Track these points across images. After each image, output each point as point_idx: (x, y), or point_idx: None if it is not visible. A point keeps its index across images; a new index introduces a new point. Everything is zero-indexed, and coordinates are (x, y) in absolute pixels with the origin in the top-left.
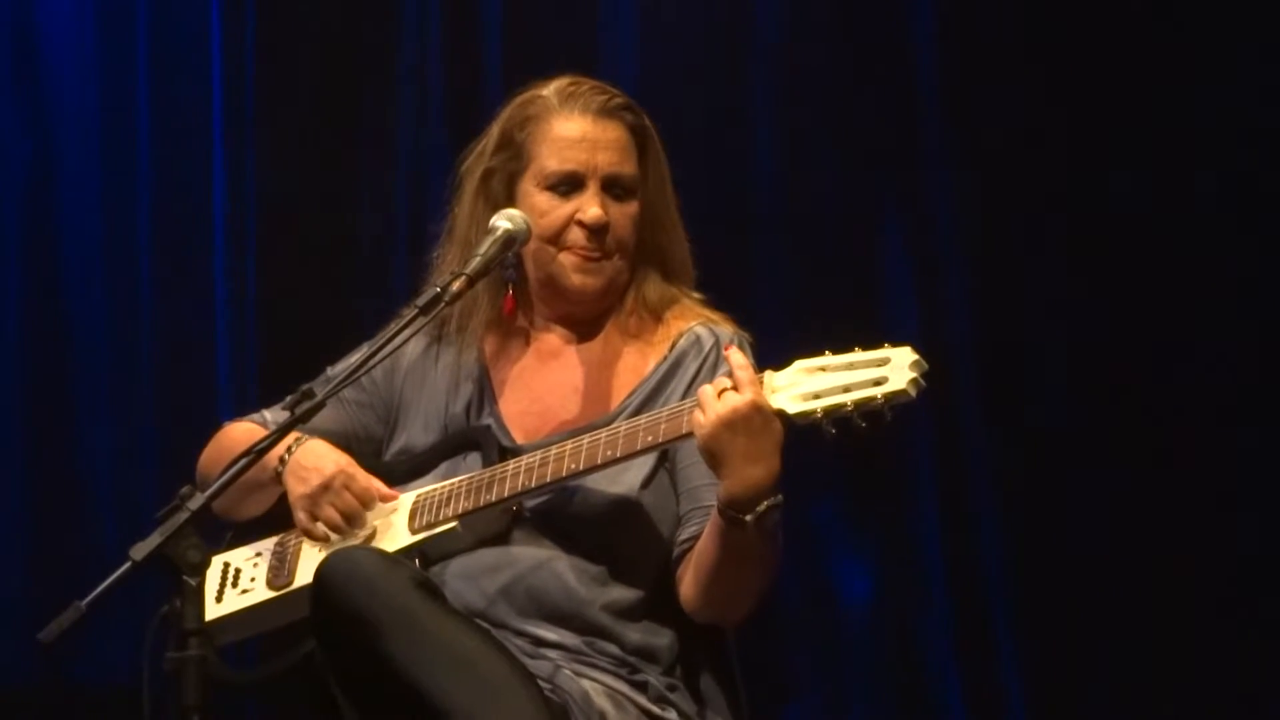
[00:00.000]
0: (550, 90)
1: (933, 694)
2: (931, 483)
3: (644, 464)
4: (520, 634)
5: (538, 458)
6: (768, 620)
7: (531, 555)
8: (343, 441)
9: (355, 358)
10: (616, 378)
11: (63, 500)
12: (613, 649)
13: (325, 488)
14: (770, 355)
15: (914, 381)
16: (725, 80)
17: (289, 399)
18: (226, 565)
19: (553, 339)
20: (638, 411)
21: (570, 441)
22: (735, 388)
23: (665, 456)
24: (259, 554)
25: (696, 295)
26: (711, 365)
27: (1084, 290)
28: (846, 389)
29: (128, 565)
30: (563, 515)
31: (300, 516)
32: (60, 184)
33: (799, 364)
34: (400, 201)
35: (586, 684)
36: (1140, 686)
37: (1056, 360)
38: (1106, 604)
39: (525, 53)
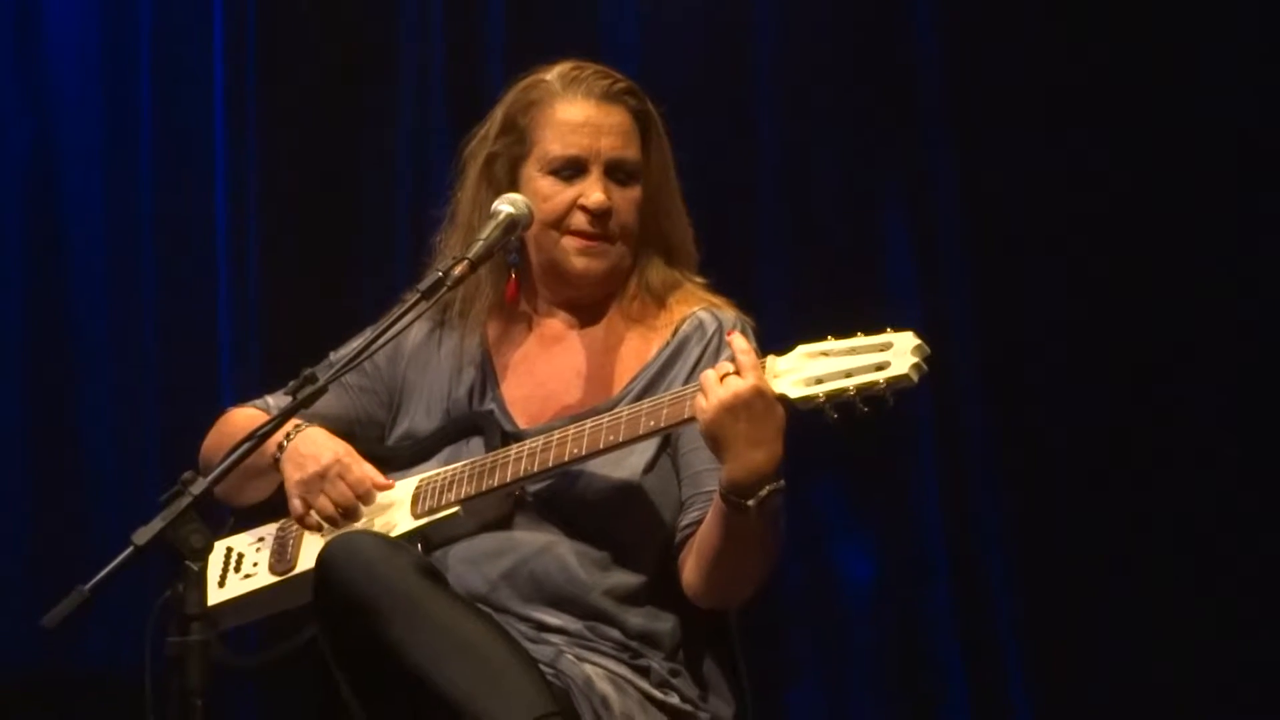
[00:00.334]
0: (553, 75)
1: (935, 677)
2: (933, 466)
3: (646, 449)
4: (523, 619)
5: (540, 442)
6: (769, 604)
7: (534, 540)
8: (345, 426)
9: (358, 342)
10: (619, 362)
11: (65, 485)
12: (615, 634)
13: (320, 476)
14: (773, 340)
15: (916, 366)
16: (728, 63)
17: (291, 384)
18: (229, 550)
19: (555, 324)
20: (640, 396)
21: (573, 426)
22: (738, 372)
23: (668, 441)
24: (261, 539)
25: (699, 279)
26: (714, 350)
27: (1088, 275)
28: (849, 374)
29: (130, 550)
30: (565, 500)
31: (294, 504)
32: (62, 164)
33: (801, 349)
34: (402, 186)
35: (589, 668)
36: (1144, 668)
37: (1059, 343)
38: (1110, 583)
39: (528, 36)
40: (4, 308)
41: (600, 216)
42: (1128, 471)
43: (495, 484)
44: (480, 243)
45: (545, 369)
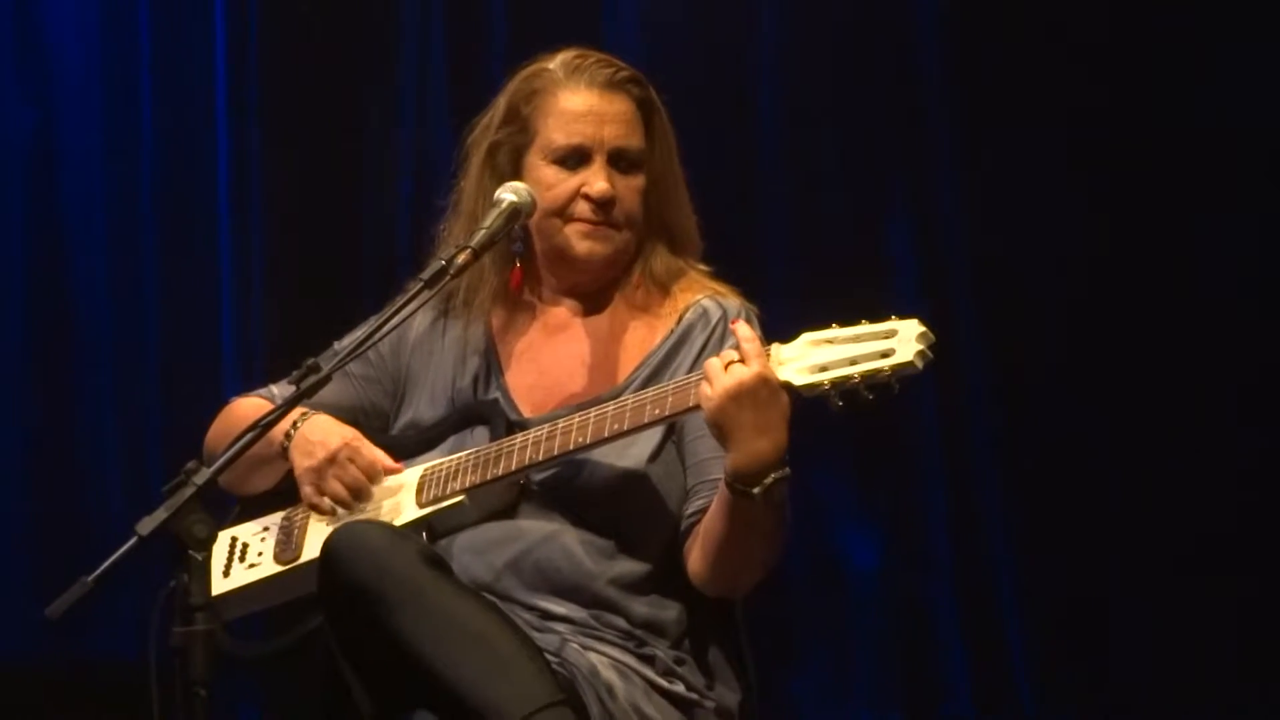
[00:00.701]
0: (556, 63)
1: (939, 665)
2: (938, 454)
3: (651, 437)
4: (528, 607)
5: (545, 431)
6: (775, 593)
7: (539, 529)
8: (349, 416)
9: (361, 332)
10: (624, 351)
11: (69, 476)
12: (620, 622)
13: (330, 461)
14: (777, 328)
15: (921, 354)
16: (731, 49)
17: (295, 374)
18: (233, 540)
19: (560, 312)
20: (645, 384)
21: (577, 415)
22: (742, 360)
23: (673, 430)
24: (266, 528)
25: (703, 267)
26: (718, 338)
27: (1095, 271)
28: (853, 361)
29: (134, 540)
30: (570, 489)
31: (306, 490)
32: (63, 154)
33: (806, 336)
34: (405, 176)
35: (594, 657)
36: (1149, 659)
37: (1064, 329)
38: (1115, 575)
39: (530, 23)
40: (5, 300)
41: (604, 205)
42: (1134, 462)
43: (500, 473)
44: (483, 231)
45: (549, 358)
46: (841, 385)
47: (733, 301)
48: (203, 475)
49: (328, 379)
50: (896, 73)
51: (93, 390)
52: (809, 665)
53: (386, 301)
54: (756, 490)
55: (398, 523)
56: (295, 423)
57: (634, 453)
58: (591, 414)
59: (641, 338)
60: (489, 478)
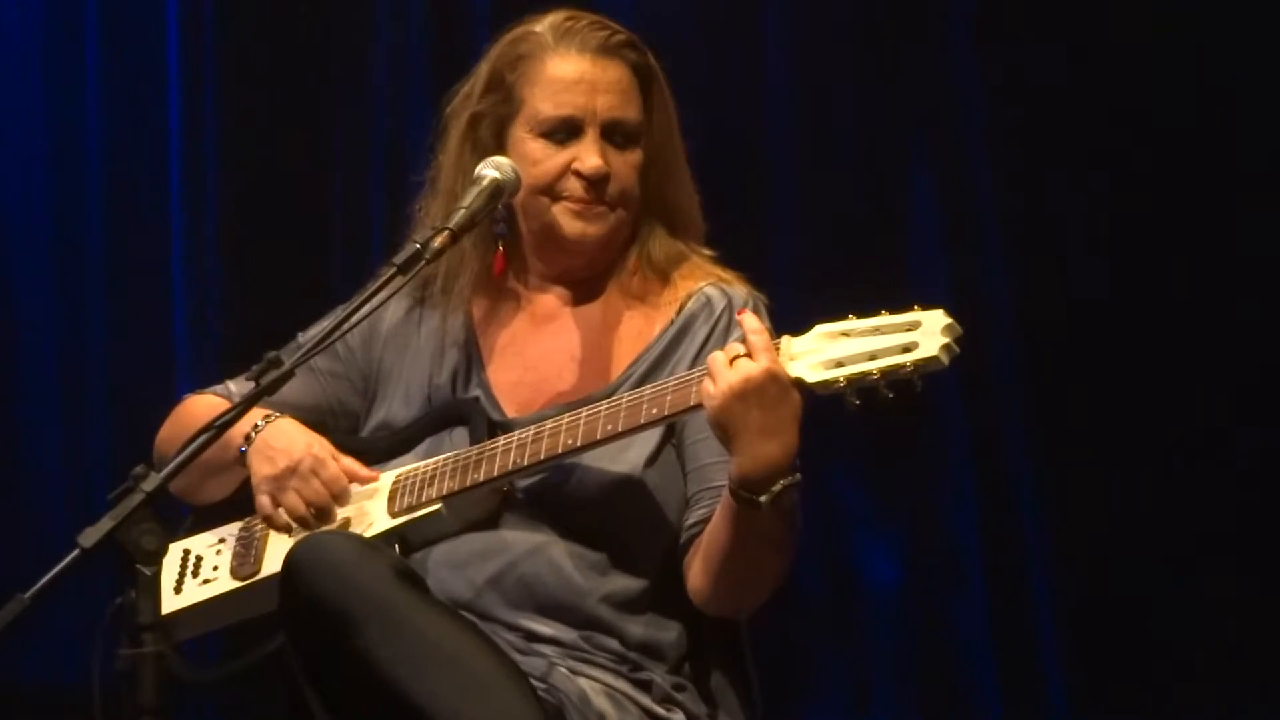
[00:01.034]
0: (544, 26)
1: (967, 687)
2: (965, 457)
3: (648, 440)
4: (511, 628)
5: (530, 433)
6: (785, 610)
7: (524, 541)
8: (315, 415)
9: (328, 322)
10: (618, 344)
11: (5, 482)
12: (613, 644)
13: (291, 472)
14: (788, 319)
15: (946, 348)
16: (736, 16)
17: (255, 369)
18: (186, 553)
19: (548, 301)
20: (642, 381)
21: (567, 415)
22: (749, 354)
23: (672, 432)
24: (222, 540)
25: (706, 252)
26: (723, 330)
27: (1131, 249)
28: (872, 356)
29: (76, 553)
30: (558, 497)
31: (262, 501)
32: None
33: (820, 329)
34: (376, 149)
35: (584, 682)
36: (1189, 673)
37: (1100, 325)
38: (1152, 584)
39: None
40: None
41: (596, 183)
42: (1176, 462)
43: (481, 479)
44: (462, 211)
45: (536, 351)
46: (859, 382)
47: (739, 290)
48: (152, 481)
49: (290, 374)
50: (921, 23)
51: (32, 387)
52: (823, 690)
53: (357, 289)
54: (764, 498)
55: (367, 534)
56: (256, 425)
57: (629, 457)
58: (582, 414)
59: (638, 329)
60: (469, 484)
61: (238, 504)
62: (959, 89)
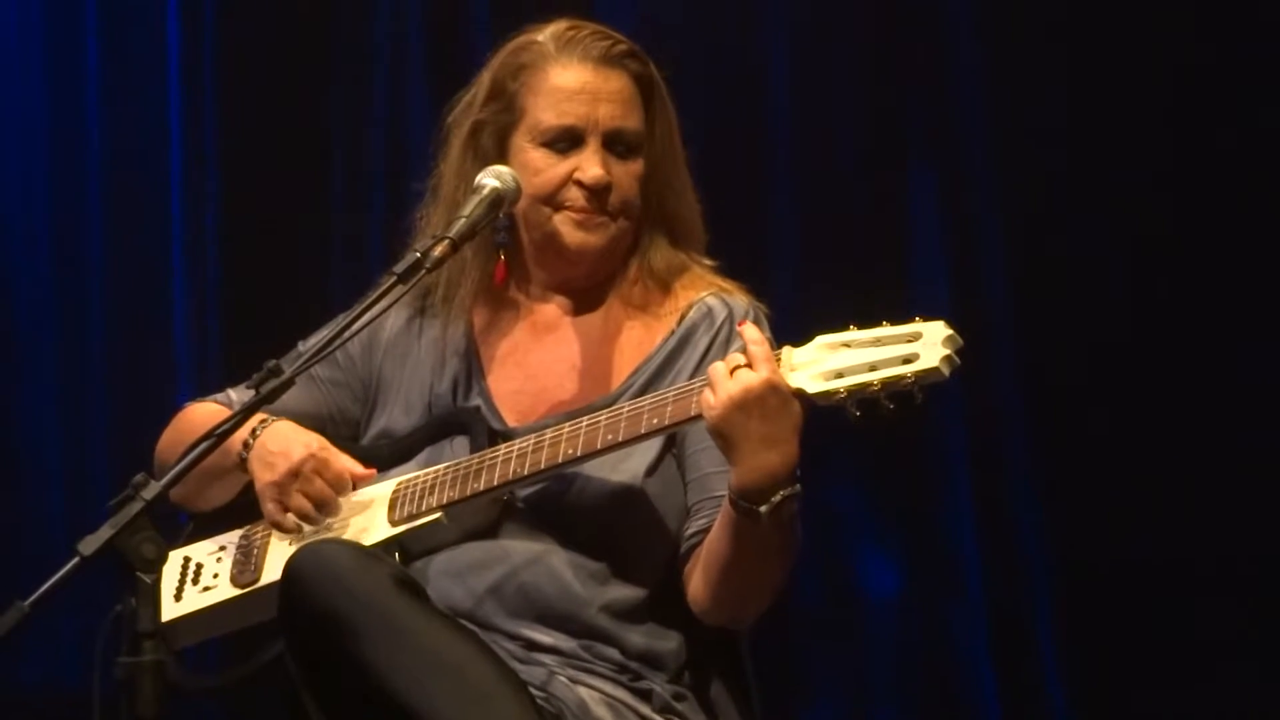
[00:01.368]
0: (546, 35)
1: (966, 699)
2: (964, 468)
3: (649, 449)
4: (511, 637)
5: (531, 442)
6: (784, 621)
7: (524, 550)
8: (315, 424)
9: (328, 331)
10: (619, 354)
11: (5, 489)
12: (613, 653)
13: (294, 474)
14: (789, 329)
15: (947, 359)
16: (736, 25)
17: (255, 377)
18: (186, 560)
19: (549, 311)
20: (642, 391)
21: (567, 424)
22: (749, 365)
23: (672, 441)
24: (222, 548)
25: (707, 262)
26: (724, 340)
27: (1142, 258)
28: (873, 367)
29: (76, 561)
30: (559, 506)
31: (269, 507)
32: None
33: (820, 339)
34: (376, 158)
35: (583, 692)
36: (1188, 682)
37: (1102, 336)
38: (1153, 597)
39: None
40: None
41: (598, 193)
42: (1176, 469)
43: (481, 488)
44: (462, 220)
45: (537, 361)
46: (859, 393)
47: (740, 300)
48: (152, 489)
49: (290, 382)
50: (921, 22)
51: (33, 395)
52: (823, 700)
53: (358, 288)
54: (764, 508)
55: (367, 542)
56: (254, 430)
57: (629, 466)
58: (583, 423)
59: (639, 339)
60: (469, 493)
61: (238, 511)
62: (960, 90)
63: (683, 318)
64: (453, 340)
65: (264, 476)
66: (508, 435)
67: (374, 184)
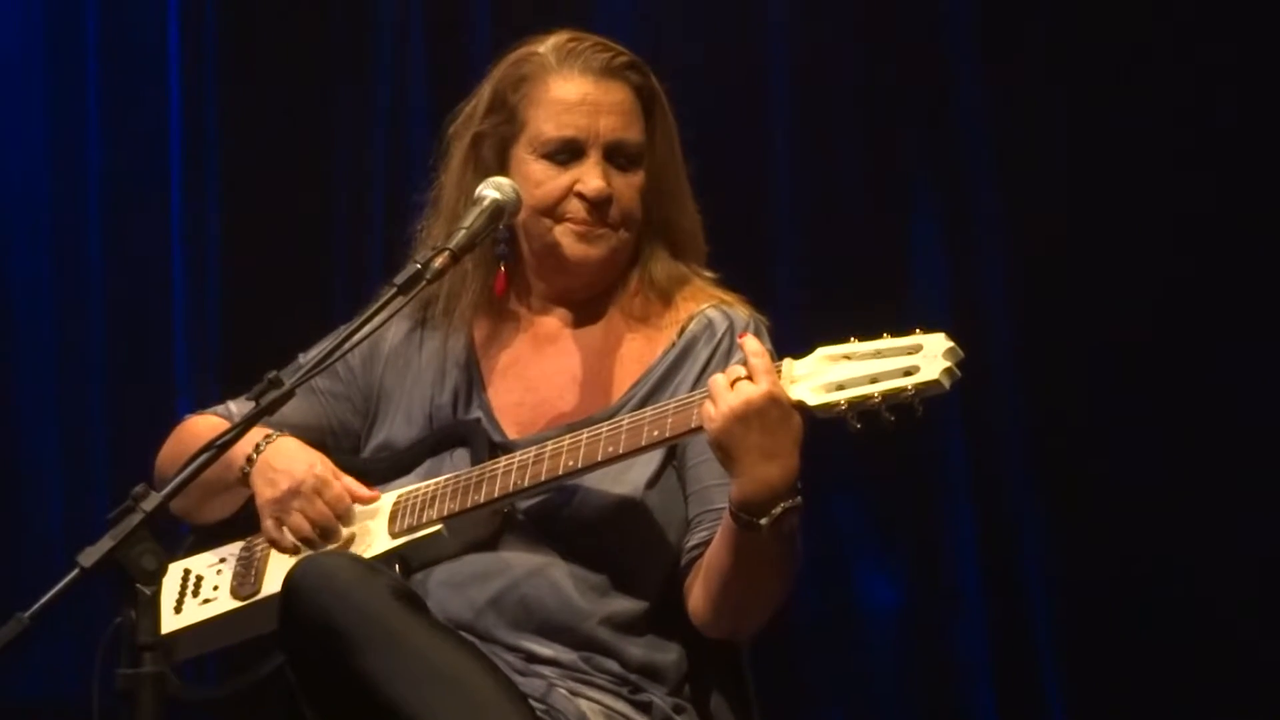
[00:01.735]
0: (547, 47)
1: (966, 710)
2: (966, 481)
3: (649, 462)
4: (511, 649)
5: (532, 454)
6: (785, 634)
7: (524, 562)
8: (316, 436)
9: (328, 343)
10: (619, 366)
11: (4, 501)
12: (613, 666)
13: (294, 493)
14: (789, 341)
15: (948, 371)
16: (736, 36)
17: (255, 389)
18: (187, 572)
19: (549, 323)
20: (643, 403)
21: (568, 436)
22: (750, 377)
23: (673, 454)
24: (222, 560)
25: (708, 274)
26: (725, 352)
27: (1143, 268)
28: (873, 379)
29: (76, 573)
30: (559, 518)
31: (267, 524)
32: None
33: (821, 351)
34: (377, 169)
35: (583, 704)
36: (1188, 698)
37: (1103, 348)
38: (1151, 609)
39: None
40: None
41: (599, 205)
42: (1180, 469)
43: (482, 500)
44: (462, 232)
45: (537, 373)
46: (860, 406)
47: (741, 312)
48: (152, 501)
49: (290, 394)
50: (924, 41)
51: (32, 406)
52: (823, 714)
53: (359, 300)
54: (764, 521)
55: (368, 554)
56: (258, 446)
57: (630, 479)
58: (583, 435)
59: (639, 351)
60: (469, 505)
61: (238, 523)
62: (962, 100)
63: (683, 329)
64: (453, 352)
65: (265, 493)
66: (508, 447)
67: (375, 185)
